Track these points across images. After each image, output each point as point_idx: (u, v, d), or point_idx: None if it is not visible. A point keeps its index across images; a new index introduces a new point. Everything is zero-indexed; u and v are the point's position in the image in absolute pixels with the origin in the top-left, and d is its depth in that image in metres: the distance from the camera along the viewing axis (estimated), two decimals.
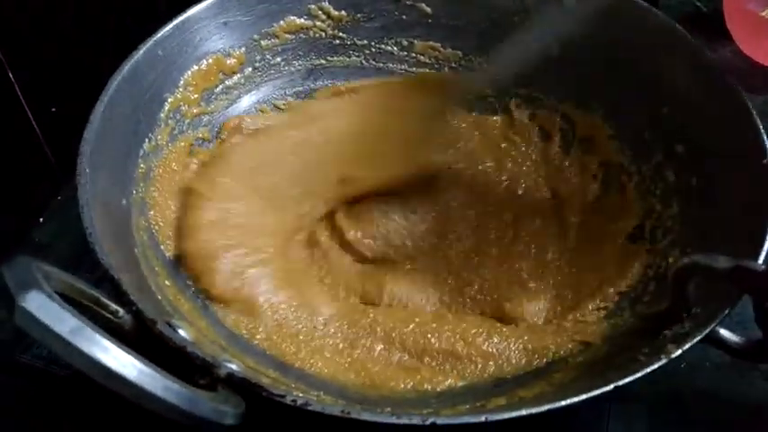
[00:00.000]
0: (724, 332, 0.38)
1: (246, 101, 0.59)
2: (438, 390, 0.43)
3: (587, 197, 0.54)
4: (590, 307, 0.47)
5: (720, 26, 0.67)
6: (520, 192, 0.56)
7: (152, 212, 0.49)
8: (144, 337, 0.36)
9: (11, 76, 0.55)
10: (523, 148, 0.58)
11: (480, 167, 0.58)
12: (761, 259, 0.38)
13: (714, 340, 0.38)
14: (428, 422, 0.32)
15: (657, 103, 0.51)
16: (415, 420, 0.32)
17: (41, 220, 0.58)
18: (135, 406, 0.29)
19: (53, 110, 0.61)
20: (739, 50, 0.66)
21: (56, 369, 0.47)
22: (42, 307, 0.27)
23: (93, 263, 0.38)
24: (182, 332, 0.37)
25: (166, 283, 0.45)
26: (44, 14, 0.58)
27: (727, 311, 0.36)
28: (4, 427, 0.46)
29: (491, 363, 0.45)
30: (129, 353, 0.28)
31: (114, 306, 0.36)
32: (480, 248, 0.52)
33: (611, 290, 0.48)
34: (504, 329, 0.46)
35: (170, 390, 0.29)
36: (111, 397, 0.30)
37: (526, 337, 0.45)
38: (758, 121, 0.44)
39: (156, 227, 0.49)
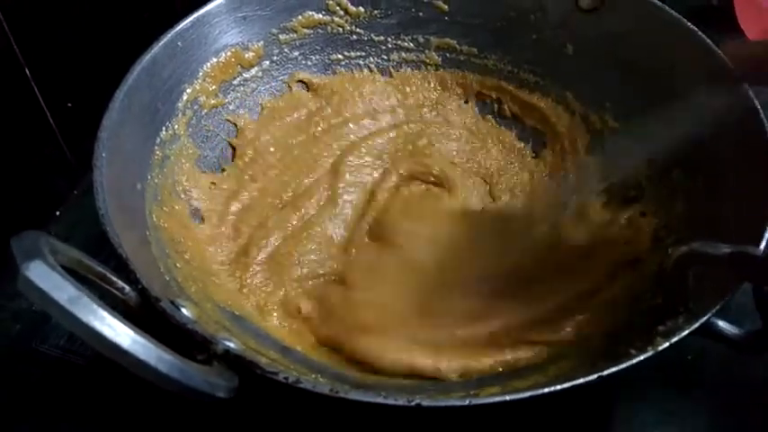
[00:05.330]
0: (723, 324, 0.37)
1: (264, 93, 0.60)
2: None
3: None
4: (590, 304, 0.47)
5: (731, 19, 0.66)
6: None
7: (166, 196, 0.50)
8: (148, 315, 0.37)
9: (27, 71, 0.55)
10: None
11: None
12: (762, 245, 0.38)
13: (712, 333, 0.37)
14: (413, 403, 0.33)
15: (666, 100, 0.51)
16: (401, 401, 0.33)
17: (58, 213, 0.59)
18: (150, 396, 0.30)
19: (69, 105, 0.62)
20: None
21: (72, 358, 0.49)
22: (43, 275, 0.28)
23: (108, 256, 0.38)
24: (185, 311, 0.38)
25: (177, 265, 0.46)
26: (60, 10, 0.58)
27: (719, 305, 0.36)
28: (22, 416, 0.47)
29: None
30: (124, 323, 0.29)
31: (121, 283, 0.37)
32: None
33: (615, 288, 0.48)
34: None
35: (162, 359, 0.30)
36: (127, 386, 0.31)
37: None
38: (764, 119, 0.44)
39: (170, 210, 0.50)
